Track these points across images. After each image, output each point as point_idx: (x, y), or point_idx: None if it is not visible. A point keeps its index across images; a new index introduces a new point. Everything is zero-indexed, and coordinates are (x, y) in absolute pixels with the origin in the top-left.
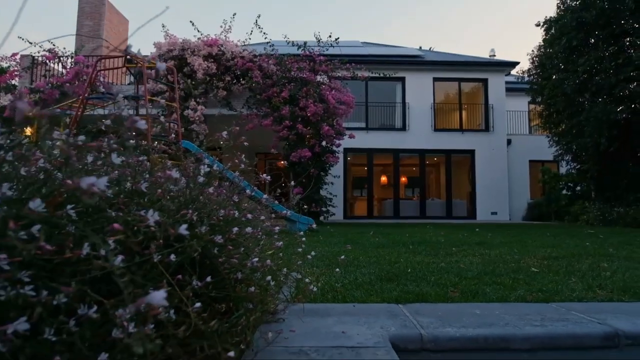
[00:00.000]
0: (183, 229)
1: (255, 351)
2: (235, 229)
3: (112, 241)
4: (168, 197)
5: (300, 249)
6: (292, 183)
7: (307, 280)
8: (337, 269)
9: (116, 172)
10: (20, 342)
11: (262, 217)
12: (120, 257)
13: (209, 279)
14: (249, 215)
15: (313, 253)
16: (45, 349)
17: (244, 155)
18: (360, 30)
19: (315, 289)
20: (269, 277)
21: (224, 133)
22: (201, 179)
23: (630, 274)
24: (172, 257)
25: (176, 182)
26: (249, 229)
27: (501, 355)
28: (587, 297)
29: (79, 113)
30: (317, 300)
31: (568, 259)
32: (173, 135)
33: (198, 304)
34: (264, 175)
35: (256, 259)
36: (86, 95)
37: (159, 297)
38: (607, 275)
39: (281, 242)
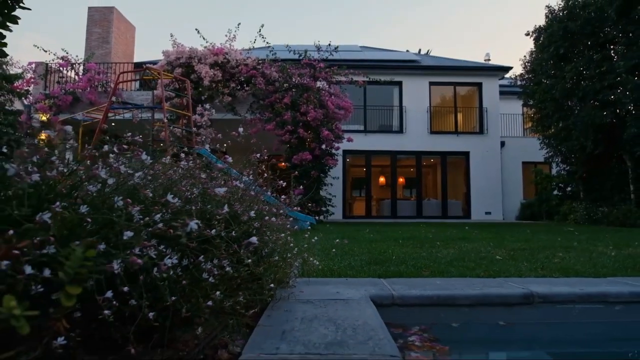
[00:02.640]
0: (252, 213)
1: (278, 299)
2: (266, 217)
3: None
4: (230, 197)
5: (306, 235)
6: (300, 187)
7: (310, 259)
8: (334, 250)
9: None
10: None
11: (281, 211)
12: (214, 230)
13: (251, 248)
14: (274, 209)
15: (316, 238)
16: (171, 280)
17: (264, 166)
18: (360, 30)
19: (317, 263)
20: (291, 244)
21: (258, 154)
22: (241, 185)
23: (574, 261)
24: (233, 233)
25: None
26: (273, 219)
27: (449, 308)
28: (528, 274)
29: (103, 121)
30: (318, 276)
31: (533, 250)
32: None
33: (249, 260)
34: (280, 181)
35: (283, 234)
36: (109, 105)
37: (254, 239)
38: (555, 262)
39: (296, 226)
